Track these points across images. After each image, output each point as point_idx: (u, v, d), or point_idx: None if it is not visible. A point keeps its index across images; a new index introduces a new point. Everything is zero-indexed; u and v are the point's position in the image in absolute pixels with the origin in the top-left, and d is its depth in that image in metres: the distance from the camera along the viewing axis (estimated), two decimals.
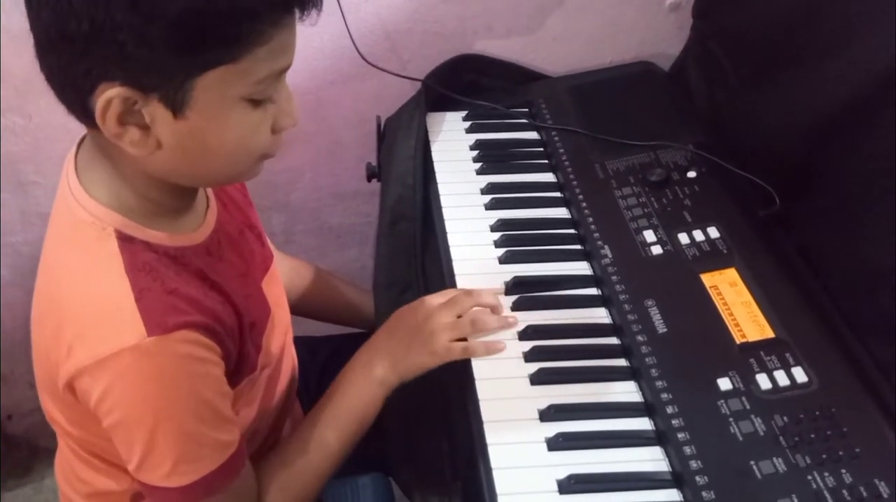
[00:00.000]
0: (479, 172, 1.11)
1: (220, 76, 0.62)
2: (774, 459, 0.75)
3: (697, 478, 0.74)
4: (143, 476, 0.71)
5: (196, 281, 0.72)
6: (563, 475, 0.76)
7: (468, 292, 0.89)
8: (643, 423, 0.81)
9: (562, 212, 1.05)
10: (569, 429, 0.80)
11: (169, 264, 0.71)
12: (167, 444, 0.69)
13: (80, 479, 0.85)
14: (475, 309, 0.88)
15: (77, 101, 0.63)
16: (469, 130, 1.18)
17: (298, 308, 1.09)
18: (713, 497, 0.73)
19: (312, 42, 1.19)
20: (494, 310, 0.90)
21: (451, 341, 0.85)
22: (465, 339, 0.86)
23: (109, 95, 0.61)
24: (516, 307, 0.92)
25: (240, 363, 0.78)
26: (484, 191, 1.08)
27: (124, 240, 0.69)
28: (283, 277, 0.97)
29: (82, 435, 0.79)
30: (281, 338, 0.89)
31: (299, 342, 1.00)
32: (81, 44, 0.59)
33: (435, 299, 0.88)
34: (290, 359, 0.95)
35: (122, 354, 0.65)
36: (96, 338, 0.66)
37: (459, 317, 0.87)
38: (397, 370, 0.84)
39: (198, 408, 0.70)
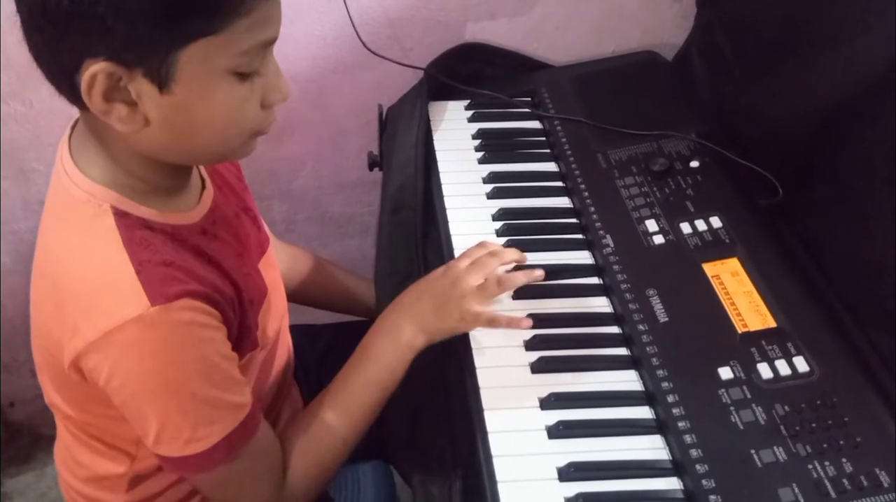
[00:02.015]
0: (481, 161, 1.11)
1: (203, 49, 0.62)
2: (775, 448, 0.75)
3: (698, 467, 0.74)
4: (162, 448, 0.72)
5: (193, 256, 0.73)
6: (563, 463, 0.76)
7: (493, 252, 0.89)
8: (644, 412, 0.81)
9: (564, 202, 1.05)
10: (569, 417, 0.80)
11: (165, 240, 0.71)
12: (182, 412, 0.70)
13: (79, 463, 0.85)
14: (501, 268, 0.88)
15: (64, 79, 0.64)
16: (471, 119, 1.18)
17: (298, 295, 1.09)
18: (713, 485, 0.73)
19: (314, 30, 1.19)
20: (520, 263, 0.90)
21: (479, 306, 0.85)
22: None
23: (94, 71, 0.61)
24: (518, 296, 0.92)
25: (241, 336, 0.78)
26: (486, 181, 1.08)
27: (120, 215, 0.69)
28: (282, 265, 0.97)
29: (83, 417, 0.79)
30: (277, 321, 0.89)
31: (299, 329, 1.00)
32: (63, 20, 0.60)
33: (461, 262, 0.88)
34: (286, 345, 0.95)
35: (127, 326, 0.66)
36: (100, 313, 0.67)
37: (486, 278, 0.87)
38: (426, 333, 0.85)
39: (208, 372, 0.70)
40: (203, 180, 0.80)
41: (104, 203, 0.69)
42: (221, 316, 0.72)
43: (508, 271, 0.91)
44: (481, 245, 0.91)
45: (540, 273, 0.91)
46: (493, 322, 0.86)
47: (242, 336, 0.78)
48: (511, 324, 0.87)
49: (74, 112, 0.70)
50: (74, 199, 0.70)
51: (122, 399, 0.70)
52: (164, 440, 0.71)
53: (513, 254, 0.91)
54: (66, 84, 0.64)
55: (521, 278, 0.89)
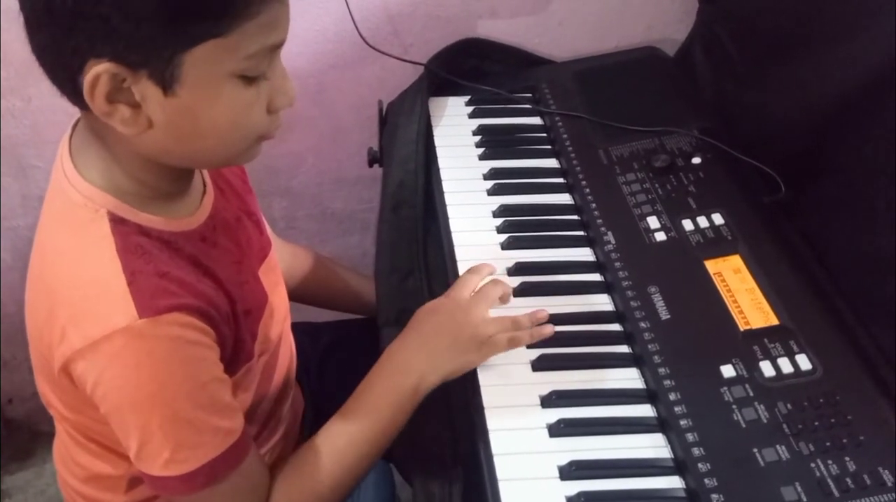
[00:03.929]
0: (482, 158, 1.11)
1: (210, 51, 0.61)
2: (777, 447, 0.74)
3: (700, 465, 0.74)
4: (143, 465, 0.70)
5: (189, 266, 0.71)
6: (564, 461, 0.76)
7: (494, 281, 0.88)
8: (645, 410, 0.81)
9: (565, 198, 1.05)
10: (570, 416, 0.79)
11: (162, 248, 0.70)
12: (164, 430, 0.68)
13: (78, 463, 0.85)
14: (518, 312, 0.87)
15: (67, 80, 0.63)
16: (472, 115, 1.17)
17: (298, 294, 1.08)
18: (715, 484, 0.72)
19: (314, 25, 1.19)
20: (506, 297, 0.89)
21: (496, 331, 0.83)
22: None
23: (97, 72, 0.60)
24: (519, 293, 0.91)
25: (236, 350, 0.76)
26: (486, 177, 1.07)
27: (117, 222, 0.68)
28: (282, 263, 0.96)
29: (78, 419, 0.78)
30: (279, 325, 0.88)
31: (299, 328, 0.99)
32: (67, 19, 0.59)
33: (463, 292, 0.86)
34: (288, 346, 0.94)
35: (114, 336, 0.65)
36: (88, 321, 0.66)
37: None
38: (440, 372, 0.81)
39: (193, 393, 0.69)
40: (204, 183, 0.79)
41: (101, 208, 0.68)
42: (215, 332, 0.71)
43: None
44: (473, 271, 0.90)
45: (546, 321, 0.88)
46: (514, 342, 0.84)
47: (237, 349, 0.77)
48: (534, 337, 0.85)
49: (74, 109, 0.69)
50: (72, 202, 0.69)
51: (106, 409, 0.69)
52: (144, 456, 0.69)
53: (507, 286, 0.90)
54: (69, 84, 0.63)
55: (527, 322, 0.87)
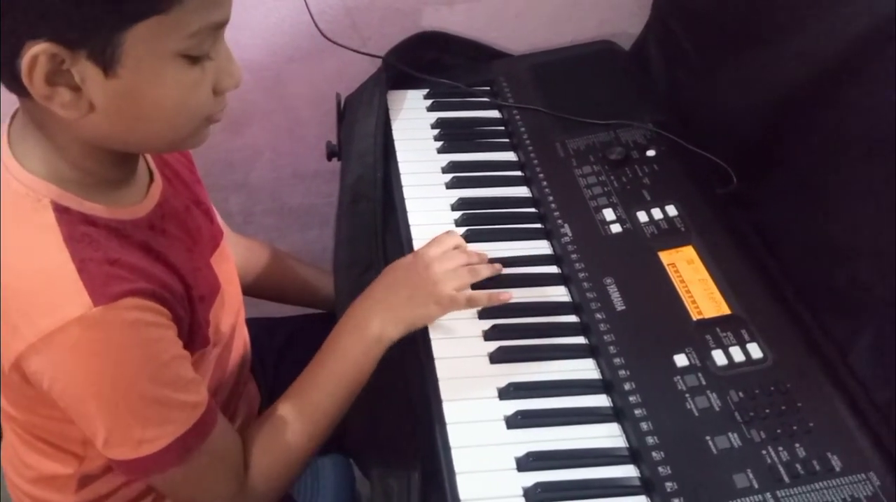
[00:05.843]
0: (440, 151, 1.11)
1: (150, 29, 0.60)
2: (730, 434, 0.75)
3: (654, 454, 0.75)
4: (113, 452, 0.70)
5: (140, 252, 0.70)
6: (521, 452, 0.76)
7: (459, 246, 0.91)
8: (601, 400, 0.82)
9: (522, 191, 1.05)
10: (527, 407, 0.80)
11: (110, 236, 0.69)
12: (131, 413, 0.68)
13: (26, 464, 0.83)
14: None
15: (5, 64, 0.61)
16: (430, 109, 1.17)
17: (255, 289, 1.07)
18: (669, 471, 0.73)
19: (270, 17, 1.17)
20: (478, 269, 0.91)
21: (454, 290, 0.85)
22: None
23: (34, 52, 0.59)
24: (477, 286, 0.91)
25: (192, 334, 0.76)
26: (445, 170, 1.07)
27: (61, 211, 0.67)
28: (238, 258, 0.95)
29: (27, 418, 0.77)
30: (232, 316, 0.87)
31: (257, 323, 0.98)
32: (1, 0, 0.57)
33: (431, 250, 0.89)
34: (242, 340, 0.93)
35: (69, 327, 0.63)
36: (40, 313, 0.64)
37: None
38: (399, 323, 0.84)
39: (157, 373, 0.68)
40: (151, 172, 0.78)
41: (44, 198, 0.67)
42: (171, 313, 0.70)
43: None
44: (450, 233, 0.92)
45: (500, 267, 0.92)
46: (472, 301, 0.87)
47: (193, 333, 0.76)
48: (492, 299, 0.88)
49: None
50: (13, 193, 0.67)
51: (67, 402, 0.68)
52: (113, 443, 0.69)
53: (479, 254, 0.92)
54: (7, 70, 0.61)
55: (487, 271, 0.90)
